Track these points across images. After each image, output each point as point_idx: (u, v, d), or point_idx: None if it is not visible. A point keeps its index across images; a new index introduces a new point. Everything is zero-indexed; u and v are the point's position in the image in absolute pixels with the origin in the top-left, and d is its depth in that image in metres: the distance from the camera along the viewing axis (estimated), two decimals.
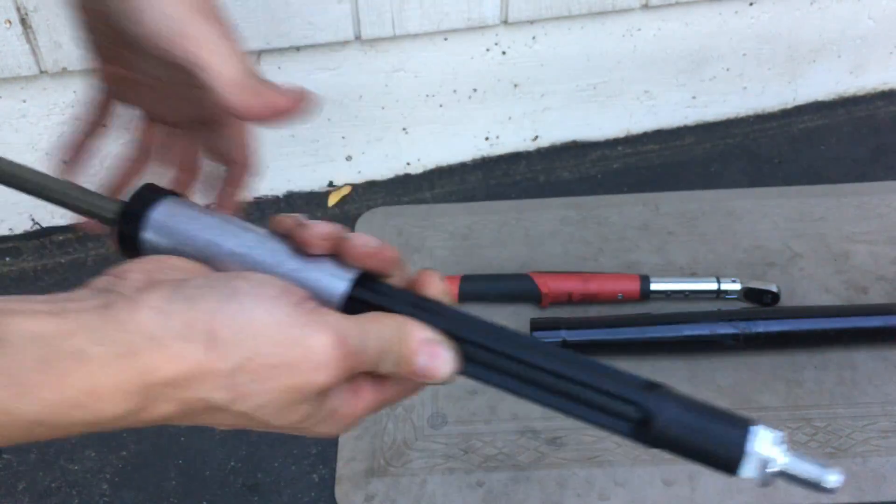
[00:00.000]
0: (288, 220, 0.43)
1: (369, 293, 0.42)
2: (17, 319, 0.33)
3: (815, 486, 0.37)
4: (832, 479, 0.37)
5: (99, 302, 0.35)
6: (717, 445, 0.37)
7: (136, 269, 0.38)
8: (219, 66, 0.41)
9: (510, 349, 0.41)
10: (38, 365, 0.32)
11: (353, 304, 0.42)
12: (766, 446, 0.37)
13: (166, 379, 0.34)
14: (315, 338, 0.36)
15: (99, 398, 0.33)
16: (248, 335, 0.35)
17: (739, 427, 0.37)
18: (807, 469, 0.37)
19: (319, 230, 0.42)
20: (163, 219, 0.43)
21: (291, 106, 0.43)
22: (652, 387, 0.39)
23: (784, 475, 0.37)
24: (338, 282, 0.42)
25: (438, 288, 0.43)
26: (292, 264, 0.41)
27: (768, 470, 0.37)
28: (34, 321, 0.33)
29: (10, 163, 0.44)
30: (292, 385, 0.36)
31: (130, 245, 0.43)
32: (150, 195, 0.44)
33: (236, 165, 0.51)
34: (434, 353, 0.40)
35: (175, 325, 0.34)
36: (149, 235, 0.43)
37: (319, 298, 0.41)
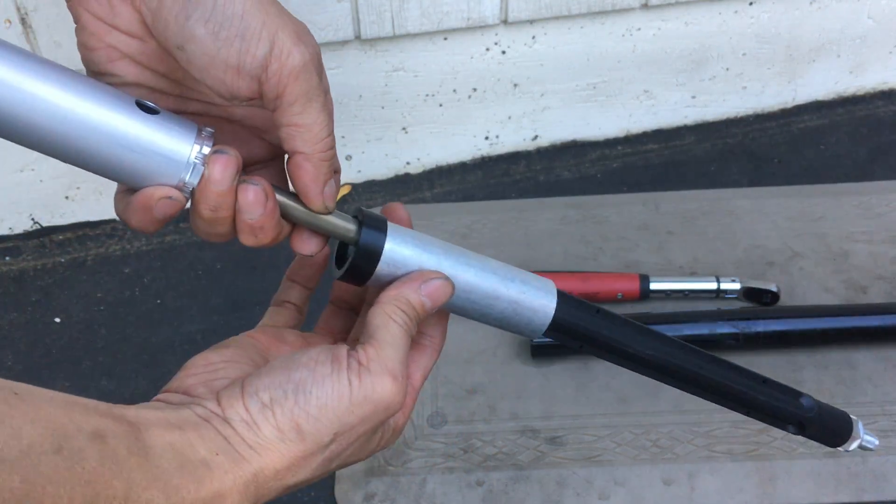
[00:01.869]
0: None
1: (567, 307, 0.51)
2: (155, 431, 0.38)
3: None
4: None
5: (201, 416, 0.40)
6: (838, 437, 0.59)
7: (196, 384, 0.44)
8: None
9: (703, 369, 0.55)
10: (177, 470, 0.37)
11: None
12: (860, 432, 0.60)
13: (274, 474, 0.41)
14: (378, 390, 0.42)
15: (223, 498, 0.39)
16: (327, 417, 0.41)
17: (848, 420, 0.60)
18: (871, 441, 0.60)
19: None
20: (397, 250, 0.46)
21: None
22: (798, 395, 0.57)
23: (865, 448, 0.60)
24: (548, 302, 0.49)
25: (402, 215, 0.50)
26: (514, 289, 0.49)
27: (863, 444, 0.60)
28: (167, 433, 0.38)
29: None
30: (372, 429, 0.43)
31: (359, 276, 0.47)
32: (374, 227, 0.46)
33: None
34: (428, 286, 0.46)
35: (268, 434, 0.40)
36: (383, 269, 0.46)
37: (533, 324, 0.49)
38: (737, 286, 0.92)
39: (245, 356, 0.47)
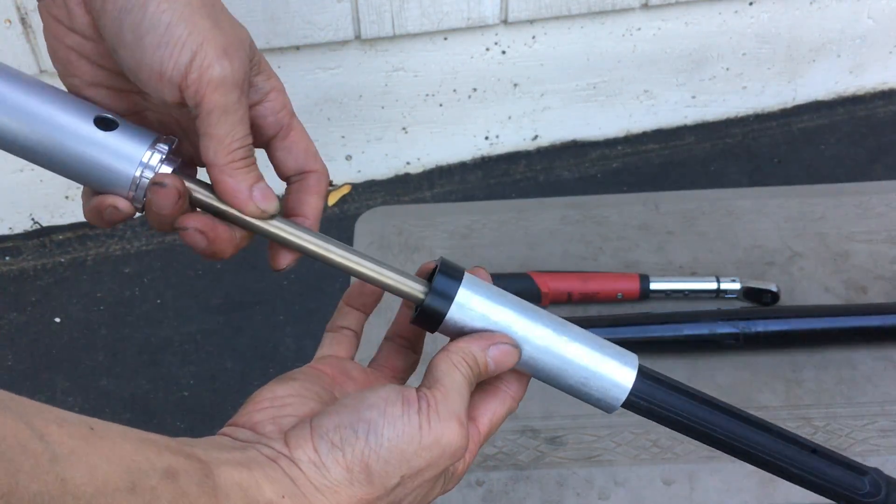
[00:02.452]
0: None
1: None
2: (224, 470, 0.38)
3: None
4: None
5: (268, 457, 0.41)
6: None
7: (263, 420, 0.44)
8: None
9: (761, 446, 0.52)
10: None
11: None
12: None
13: None
14: (447, 434, 0.42)
15: None
16: (396, 459, 0.41)
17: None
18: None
19: None
20: (467, 303, 0.46)
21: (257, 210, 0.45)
22: (862, 472, 0.52)
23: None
24: (625, 378, 0.49)
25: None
26: (588, 359, 0.48)
27: None
28: (235, 472, 0.38)
29: (314, 234, 0.47)
30: (437, 475, 0.44)
31: (429, 323, 0.47)
32: (450, 275, 0.47)
33: (309, 174, 0.50)
34: (496, 350, 0.46)
35: (336, 476, 0.40)
36: (454, 318, 0.47)
37: (606, 399, 0.49)
38: (737, 286, 0.92)
39: (311, 390, 0.46)
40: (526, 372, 0.49)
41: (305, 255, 0.47)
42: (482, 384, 0.48)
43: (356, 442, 0.41)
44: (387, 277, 0.47)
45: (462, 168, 1.18)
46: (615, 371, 0.48)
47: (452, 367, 0.45)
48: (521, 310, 0.48)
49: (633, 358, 0.50)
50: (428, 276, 0.48)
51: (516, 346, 0.47)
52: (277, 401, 0.45)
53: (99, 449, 0.33)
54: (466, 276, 0.47)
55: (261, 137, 0.48)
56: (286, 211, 0.49)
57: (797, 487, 0.42)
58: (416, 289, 0.47)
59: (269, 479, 0.39)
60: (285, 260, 0.47)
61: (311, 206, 0.49)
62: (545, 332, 0.48)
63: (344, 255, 0.46)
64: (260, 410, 0.44)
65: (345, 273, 0.47)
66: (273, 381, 0.47)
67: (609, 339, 0.50)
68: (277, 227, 0.46)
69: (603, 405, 0.50)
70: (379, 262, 0.47)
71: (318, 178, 0.49)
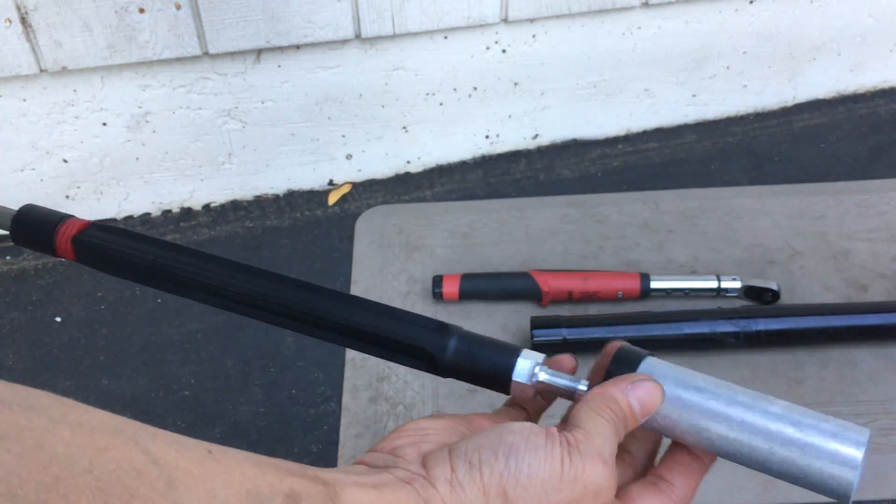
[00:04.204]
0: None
1: None
2: (351, 491, 0.37)
3: (570, 395, 0.45)
4: (581, 388, 0.45)
5: (401, 479, 0.39)
6: (492, 368, 0.46)
7: (404, 444, 0.43)
8: None
9: (328, 312, 0.47)
10: None
11: None
12: (528, 366, 0.45)
13: None
14: (590, 471, 0.40)
15: None
16: (535, 489, 0.39)
17: (509, 352, 0.46)
18: (561, 383, 0.45)
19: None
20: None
21: None
22: (441, 328, 0.47)
23: (546, 385, 0.45)
24: (848, 473, 0.41)
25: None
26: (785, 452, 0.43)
27: (533, 380, 0.45)
28: (363, 493, 0.37)
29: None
30: None
31: None
32: (629, 361, 0.46)
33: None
34: (636, 388, 0.44)
35: (472, 496, 0.38)
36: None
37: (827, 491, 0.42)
38: (737, 285, 0.92)
39: (457, 428, 0.45)
40: (725, 455, 0.44)
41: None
42: (646, 480, 0.45)
43: (495, 463, 0.39)
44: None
45: (462, 167, 1.18)
46: (836, 448, 0.42)
47: (593, 414, 0.42)
48: (714, 387, 0.44)
49: (864, 434, 0.42)
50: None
51: (656, 381, 0.44)
52: (421, 430, 0.44)
53: (217, 473, 0.32)
54: (648, 362, 0.45)
55: None
56: None
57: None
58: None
59: (399, 501, 0.38)
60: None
61: None
62: (738, 407, 0.44)
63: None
64: (402, 437, 0.44)
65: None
66: (421, 417, 0.46)
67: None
68: None
69: (831, 493, 0.43)
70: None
71: None
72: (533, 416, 0.51)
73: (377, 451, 0.43)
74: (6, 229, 0.55)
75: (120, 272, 0.52)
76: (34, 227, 0.54)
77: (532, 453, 0.39)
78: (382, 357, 0.48)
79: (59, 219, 0.54)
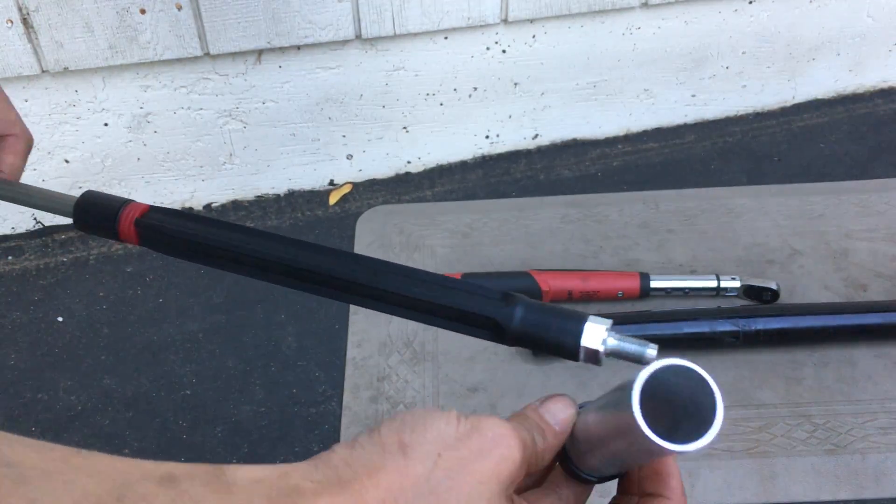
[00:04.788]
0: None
1: None
2: (240, 469, 0.36)
3: (638, 359, 0.45)
4: (650, 352, 0.44)
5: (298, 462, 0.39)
6: (560, 334, 0.46)
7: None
8: None
9: (397, 287, 0.48)
10: (265, 502, 0.35)
11: None
12: (598, 332, 0.45)
13: (377, 497, 0.37)
14: (489, 423, 0.40)
15: None
16: (433, 436, 0.39)
17: (576, 319, 0.45)
18: (630, 348, 0.45)
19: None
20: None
21: None
22: (506, 297, 0.47)
23: (614, 352, 0.45)
24: None
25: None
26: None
27: (602, 348, 0.45)
28: (255, 470, 0.36)
29: None
30: (482, 473, 0.39)
31: None
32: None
33: (7, 137, 0.60)
34: (545, 401, 0.44)
35: (370, 450, 0.38)
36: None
37: None
38: (737, 284, 0.92)
39: None
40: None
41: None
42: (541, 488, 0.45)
43: (392, 422, 0.39)
44: None
45: (463, 167, 1.18)
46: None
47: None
48: None
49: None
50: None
51: (566, 395, 0.44)
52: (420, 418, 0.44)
53: (79, 467, 0.31)
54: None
55: None
56: None
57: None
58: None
59: (296, 469, 0.37)
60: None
61: (7, 163, 0.58)
62: None
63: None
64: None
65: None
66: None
67: None
68: None
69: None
70: None
71: (15, 140, 0.59)
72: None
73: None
74: (68, 216, 0.55)
75: (183, 254, 0.52)
76: (97, 212, 0.54)
77: (429, 412, 0.40)
78: (448, 328, 0.48)
79: (120, 203, 0.54)
